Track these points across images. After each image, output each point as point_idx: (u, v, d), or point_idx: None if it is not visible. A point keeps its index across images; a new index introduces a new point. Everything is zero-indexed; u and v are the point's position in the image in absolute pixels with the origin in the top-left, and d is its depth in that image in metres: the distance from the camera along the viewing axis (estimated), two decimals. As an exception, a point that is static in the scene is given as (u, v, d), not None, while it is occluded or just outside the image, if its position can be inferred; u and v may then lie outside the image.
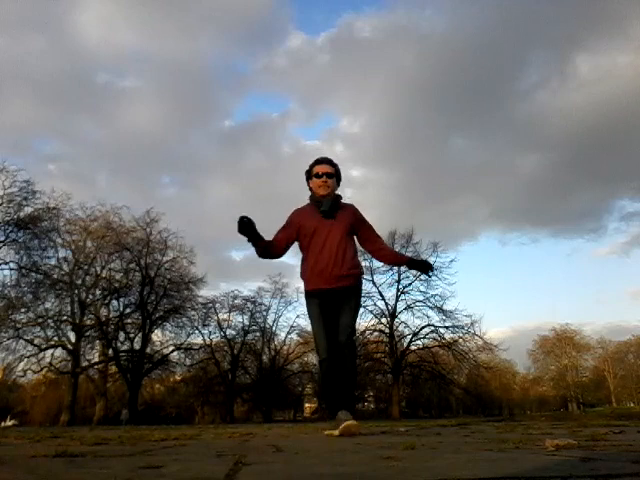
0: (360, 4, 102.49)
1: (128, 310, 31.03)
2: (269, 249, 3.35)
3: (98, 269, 30.41)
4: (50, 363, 28.69)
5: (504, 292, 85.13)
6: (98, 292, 30.52)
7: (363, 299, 32.95)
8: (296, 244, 3.52)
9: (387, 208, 67.45)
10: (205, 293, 33.26)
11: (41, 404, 33.19)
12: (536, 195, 72.20)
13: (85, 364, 29.77)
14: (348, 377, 3.26)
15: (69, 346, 28.60)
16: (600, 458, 1.39)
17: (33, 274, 26.72)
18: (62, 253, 29.05)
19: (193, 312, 32.94)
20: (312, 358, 34.12)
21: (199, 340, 33.65)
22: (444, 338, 32.61)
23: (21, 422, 30.97)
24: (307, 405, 49.95)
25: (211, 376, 34.72)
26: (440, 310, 32.23)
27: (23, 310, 26.91)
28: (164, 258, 31.40)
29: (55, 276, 28.25)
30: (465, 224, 68.41)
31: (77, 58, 69.83)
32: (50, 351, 28.69)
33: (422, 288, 33.07)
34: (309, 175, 3.55)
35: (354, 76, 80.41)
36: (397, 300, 33.21)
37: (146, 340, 30.32)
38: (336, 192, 3.55)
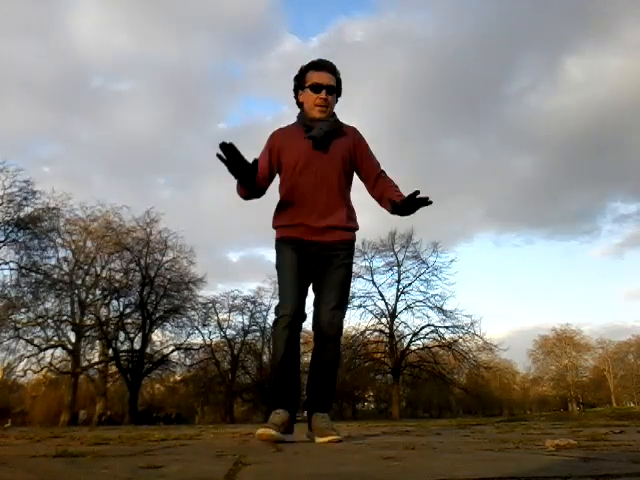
0: (351, 9, 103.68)
1: (128, 310, 31.06)
2: (255, 184, 2.41)
3: (98, 269, 30.45)
4: (50, 363, 28.70)
5: (501, 293, 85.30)
6: (98, 292, 30.56)
7: (363, 299, 32.96)
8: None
9: (379, 210, 67.35)
10: (204, 293, 33.29)
11: (41, 404, 33.21)
12: (530, 197, 72.50)
13: (85, 364, 29.80)
14: (329, 369, 2.52)
15: (69, 346, 28.61)
16: (600, 458, 1.39)
17: (33, 274, 26.73)
18: (62, 253, 29.08)
19: (193, 312, 32.97)
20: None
21: (199, 340, 33.70)
22: (444, 338, 32.62)
23: (21, 422, 30.91)
24: (307, 405, 49.90)
25: (211, 376, 34.71)
26: (440, 310, 32.26)
27: (23, 310, 26.92)
28: (164, 258, 31.43)
29: (55, 276, 28.25)
30: (460, 225, 68.53)
31: (72, 61, 69.86)
32: (50, 351, 28.73)
33: (422, 288, 33.15)
34: (300, 84, 2.57)
35: (346, 79, 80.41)
36: (397, 300, 33.24)
37: (146, 340, 30.31)
38: (334, 112, 2.61)
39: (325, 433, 2.30)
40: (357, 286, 32.92)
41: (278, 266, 2.54)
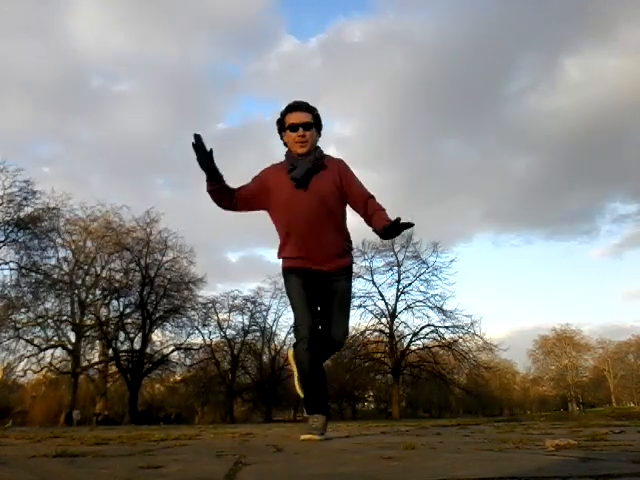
0: (350, 9, 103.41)
1: (128, 310, 31.09)
2: (225, 193, 2.72)
3: (98, 269, 30.49)
4: (50, 363, 28.73)
5: (500, 293, 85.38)
6: (98, 292, 30.60)
7: (363, 299, 32.96)
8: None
9: None
10: (204, 293, 33.30)
11: (41, 404, 33.21)
12: (529, 197, 72.57)
13: (85, 364, 29.83)
14: (324, 375, 2.84)
15: (69, 346, 28.63)
16: (600, 458, 1.39)
17: (33, 274, 26.77)
18: (62, 253, 29.13)
19: (193, 312, 33.01)
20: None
21: (199, 340, 33.73)
22: (444, 338, 32.63)
23: (21, 422, 30.91)
24: (307, 405, 49.90)
25: (211, 376, 34.73)
26: (440, 310, 32.28)
27: (23, 310, 26.96)
28: (164, 258, 31.46)
29: (55, 276, 28.29)
30: (459, 225, 68.62)
31: (72, 62, 70.01)
32: (50, 351, 28.78)
33: (422, 288, 33.20)
34: (282, 126, 2.83)
35: (345, 80, 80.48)
36: (397, 300, 33.26)
37: (146, 340, 30.33)
38: (317, 145, 2.83)
39: (308, 432, 2.61)
40: (357, 286, 32.86)
41: (288, 293, 2.86)
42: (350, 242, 2.93)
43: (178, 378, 35.62)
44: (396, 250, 33.44)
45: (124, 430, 6.55)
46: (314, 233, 2.71)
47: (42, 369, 28.83)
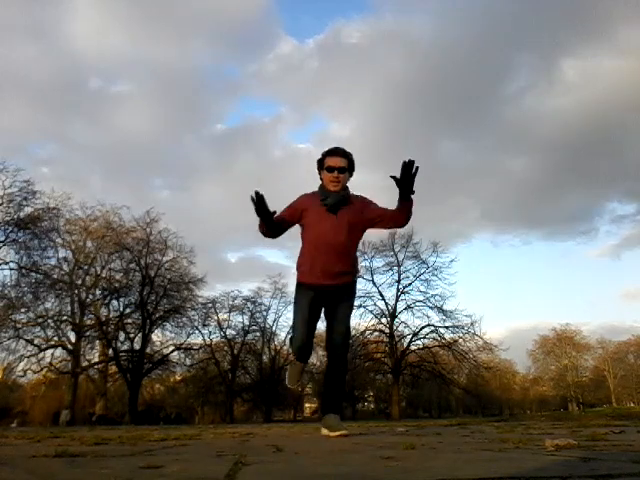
0: (348, 10, 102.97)
1: (128, 310, 31.03)
2: (272, 228, 3.24)
3: (98, 269, 30.42)
4: (50, 363, 28.67)
5: (500, 293, 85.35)
6: (98, 292, 30.52)
7: (363, 299, 32.97)
8: (296, 229, 3.40)
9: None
10: (204, 293, 33.27)
11: (41, 404, 33.17)
12: (527, 198, 72.48)
13: (85, 364, 29.77)
14: (339, 379, 3.31)
15: (69, 346, 28.60)
16: (600, 458, 1.39)
17: (33, 274, 26.71)
18: (62, 253, 29.04)
19: (193, 312, 32.95)
20: (313, 358, 34.12)
21: (199, 340, 33.67)
22: (444, 338, 32.60)
23: (21, 422, 30.92)
24: (307, 405, 49.95)
25: (211, 376, 34.70)
26: (440, 310, 32.23)
27: (23, 310, 26.90)
28: (164, 258, 31.39)
29: (55, 276, 28.24)
30: (457, 226, 68.47)
31: (70, 63, 70.01)
32: (50, 351, 28.70)
33: (422, 288, 33.12)
34: (321, 165, 3.33)
35: (343, 81, 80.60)
36: (397, 300, 33.21)
37: (146, 340, 30.30)
38: (347, 185, 3.34)
39: (336, 428, 3.04)
40: (357, 286, 32.71)
41: (295, 303, 3.40)
42: (356, 263, 3.50)
43: (178, 378, 35.59)
44: (396, 250, 33.45)
45: (124, 430, 6.55)
46: (333, 253, 3.22)
47: (42, 369, 28.78)
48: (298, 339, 3.30)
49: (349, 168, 3.30)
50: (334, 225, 3.20)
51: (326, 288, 3.28)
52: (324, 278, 3.26)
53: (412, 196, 3.08)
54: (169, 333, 32.23)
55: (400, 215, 3.19)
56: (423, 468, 1.27)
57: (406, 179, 2.97)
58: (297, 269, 3.40)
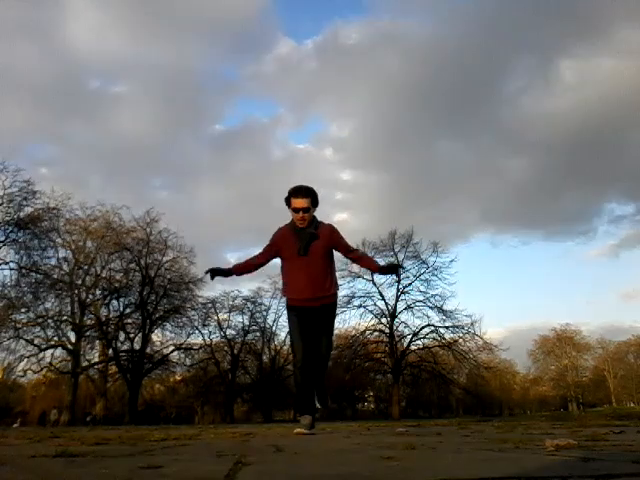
0: (346, 11, 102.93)
1: (128, 310, 31.06)
2: (246, 268, 3.89)
3: (98, 269, 30.43)
4: (50, 363, 28.68)
5: (500, 293, 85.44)
6: (98, 292, 30.54)
7: (363, 299, 33.05)
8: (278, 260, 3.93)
9: (377, 211, 68.42)
10: (204, 293, 33.26)
11: (41, 404, 33.18)
12: (526, 198, 72.52)
13: (85, 364, 29.77)
14: (321, 381, 3.89)
15: (69, 346, 28.60)
16: (600, 458, 1.39)
17: (33, 274, 26.72)
18: (62, 253, 29.08)
19: (193, 312, 32.98)
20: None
21: (199, 340, 33.70)
22: (444, 338, 32.60)
23: (21, 422, 30.92)
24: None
25: (211, 376, 34.72)
26: (440, 310, 32.23)
27: (23, 310, 26.91)
28: (164, 258, 31.41)
29: (55, 276, 28.25)
30: (457, 226, 68.60)
31: (69, 64, 70.22)
32: (50, 351, 28.72)
33: (422, 288, 33.14)
34: (288, 203, 3.72)
35: (341, 82, 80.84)
36: (397, 300, 33.21)
37: (146, 340, 30.32)
38: (314, 215, 3.77)
39: (302, 426, 3.62)
40: (357, 286, 32.77)
41: (289, 324, 3.87)
42: (336, 284, 3.93)
43: (178, 378, 35.60)
44: (396, 250, 33.45)
45: (124, 430, 6.55)
46: (310, 281, 3.70)
47: (42, 369, 28.79)
48: (299, 350, 3.73)
49: (313, 204, 3.72)
50: (308, 262, 3.67)
51: (309, 310, 3.76)
52: (308, 302, 3.74)
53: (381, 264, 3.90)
54: (169, 333, 32.31)
55: (372, 264, 3.96)
56: (423, 468, 1.27)
57: (391, 272, 3.99)
58: (282, 294, 4.00)
